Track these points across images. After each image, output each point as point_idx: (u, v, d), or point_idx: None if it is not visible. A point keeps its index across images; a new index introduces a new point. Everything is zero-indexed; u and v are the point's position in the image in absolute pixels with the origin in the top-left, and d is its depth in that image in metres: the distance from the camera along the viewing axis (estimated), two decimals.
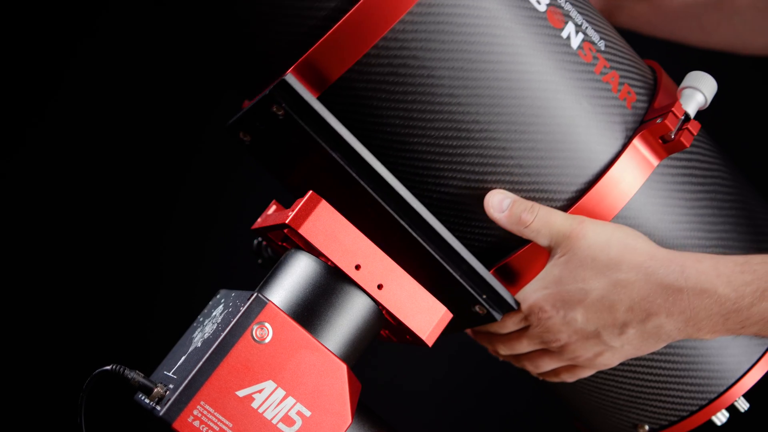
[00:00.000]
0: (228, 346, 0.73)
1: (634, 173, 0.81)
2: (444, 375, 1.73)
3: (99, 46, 1.73)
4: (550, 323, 0.81)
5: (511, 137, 0.78)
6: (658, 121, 0.80)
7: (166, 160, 1.75)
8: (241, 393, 0.73)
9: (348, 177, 0.76)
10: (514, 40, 0.77)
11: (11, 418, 1.67)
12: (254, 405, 0.73)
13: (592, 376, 0.88)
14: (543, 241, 0.80)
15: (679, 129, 0.81)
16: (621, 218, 0.82)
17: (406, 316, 0.79)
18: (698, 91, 0.82)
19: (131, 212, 1.73)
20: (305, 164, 0.80)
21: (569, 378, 0.86)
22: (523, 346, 0.85)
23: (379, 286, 0.78)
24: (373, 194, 0.77)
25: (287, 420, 0.73)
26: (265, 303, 0.74)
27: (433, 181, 0.80)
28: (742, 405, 0.90)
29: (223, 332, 0.73)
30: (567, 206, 0.81)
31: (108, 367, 0.74)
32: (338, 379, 0.75)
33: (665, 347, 0.85)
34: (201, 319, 0.83)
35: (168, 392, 0.73)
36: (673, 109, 0.81)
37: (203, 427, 0.72)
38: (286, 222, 0.76)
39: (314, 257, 0.79)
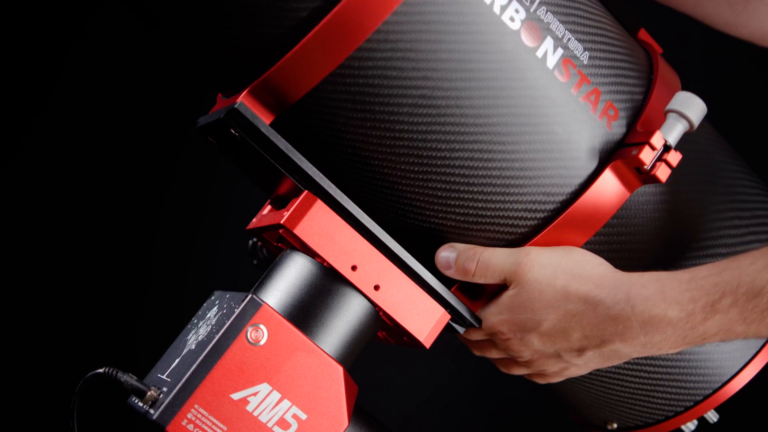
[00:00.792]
0: (222, 348, 0.73)
1: (606, 201, 0.80)
2: (442, 377, 1.73)
3: (90, 46, 1.72)
4: (509, 344, 0.82)
5: (475, 165, 0.77)
6: (633, 152, 0.78)
7: (161, 159, 1.75)
8: (235, 396, 0.72)
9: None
10: (482, 65, 0.75)
11: (2, 421, 1.67)
12: (249, 408, 0.73)
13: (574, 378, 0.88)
14: (493, 281, 0.81)
15: (658, 160, 0.78)
16: (589, 243, 0.81)
17: (403, 318, 0.79)
18: (683, 118, 0.78)
19: (124, 212, 1.73)
20: (270, 173, 0.80)
21: (541, 381, 0.87)
22: (493, 354, 0.86)
23: (376, 287, 0.78)
24: (334, 213, 0.77)
25: (283, 423, 0.73)
26: (260, 304, 0.74)
27: (397, 201, 0.79)
28: (712, 417, 0.91)
29: (217, 334, 0.73)
30: (532, 234, 0.80)
31: (100, 370, 0.74)
32: (334, 381, 0.75)
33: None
34: (195, 321, 0.83)
35: (161, 395, 0.73)
36: (651, 140, 0.77)
37: (197, 431, 0.71)
38: (281, 222, 0.76)
39: (310, 258, 0.78)
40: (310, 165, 0.76)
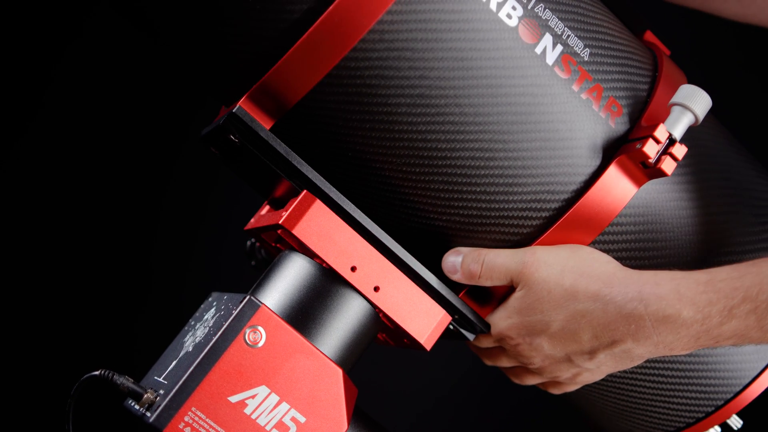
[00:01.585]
0: (220, 350, 0.73)
1: (612, 197, 0.79)
2: (443, 380, 1.73)
3: (89, 48, 1.72)
4: (520, 349, 0.81)
5: (476, 164, 0.77)
6: (638, 146, 0.77)
7: (157, 159, 1.75)
8: (233, 399, 0.72)
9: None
10: (479, 62, 0.75)
11: None
12: (247, 411, 0.73)
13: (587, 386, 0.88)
14: (499, 282, 0.80)
15: (663, 153, 0.77)
16: (597, 243, 0.81)
17: (403, 319, 0.79)
18: (688, 111, 0.78)
19: (121, 213, 1.73)
20: (271, 180, 0.80)
21: (556, 391, 0.86)
22: (504, 362, 0.85)
23: (376, 288, 0.78)
24: (333, 213, 0.77)
25: (281, 426, 0.73)
26: (258, 306, 0.74)
27: (399, 203, 0.79)
28: (736, 423, 0.90)
29: (214, 336, 0.73)
30: (537, 234, 0.80)
31: (96, 373, 0.74)
32: (334, 384, 0.74)
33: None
34: (192, 323, 0.83)
35: (158, 398, 0.73)
36: (654, 133, 0.76)
37: None
38: (280, 222, 0.76)
39: (309, 259, 0.78)
40: (310, 168, 0.76)
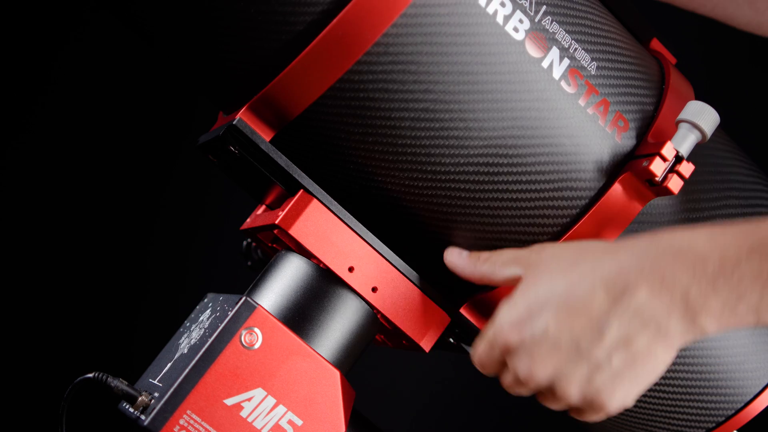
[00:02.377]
0: (215, 352, 0.72)
1: (616, 216, 0.78)
2: (443, 382, 1.73)
3: (83, 46, 1.72)
4: (520, 356, 0.73)
5: (480, 179, 0.77)
6: (644, 164, 0.77)
7: (152, 159, 1.75)
8: (229, 401, 0.72)
9: None
10: (485, 77, 0.75)
11: None
12: (243, 414, 0.73)
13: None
14: (507, 271, 0.77)
15: (670, 171, 0.76)
16: None
17: (401, 321, 0.79)
18: (695, 128, 0.77)
19: (116, 213, 1.73)
20: (268, 187, 0.80)
21: (585, 418, 0.78)
22: (507, 378, 0.77)
23: (374, 289, 0.78)
24: (330, 213, 0.77)
25: (278, 429, 0.73)
26: (255, 307, 0.74)
27: (401, 216, 0.79)
28: None
29: (210, 338, 0.73)
30: None
31: (90, 375, 0.74)
32: (331, 386, 0.74)
33: (673, 366, 0.84)
34: (188, 324, 0.83)
35: (153, 401, 0.73)
36: (662, 151, 0.76)
37: None
38: (276, 222, 0.76)
39: (305, 259, 0.78)
40: (311, 181, 0.76)
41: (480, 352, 0.75)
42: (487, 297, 0.80)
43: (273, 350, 0.73)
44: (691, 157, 0.79)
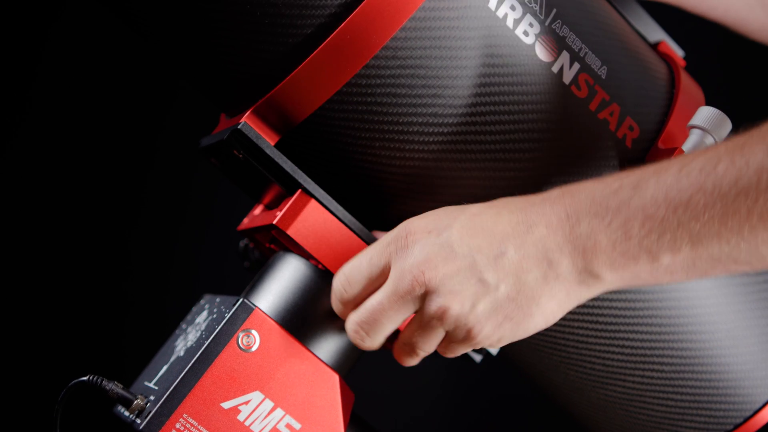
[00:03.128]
0: (212, 354, 0.72)
1: None
2: (443, 385, 1.73)
3: (84, 46, 1.72)
4: (412, 250, 0.71)
5: (486, 184, 0.76)
6: None
7: (150, 159, 1.75)
8: (226, 405, 0.72)
9: None
10: (494, 79, 0.74)
11: None
12: (240, 417, 0.72)
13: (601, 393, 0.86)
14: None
15: None
16: None
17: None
18: (708, 135, 0.77)
19: (112, 213, 1.73)
20: (271, 188, 0.80)
21: (449, 353, 0.75)
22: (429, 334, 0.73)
23: None
24: (329, 213, 0.77)
25: None
26: (252, 309, 0.74)
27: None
28: None
29: (207, 340, 0.73)
30: None
31: (85, 378, 0.74)
32: (330, 389, 0.74)
33: (682, 373, 0.84)
34: (184, 326, 0.83)
35: (149, 404, 0.73)
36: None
37: None
38: (274, 223, 0.76)
39: (304, 260, 0.78)
40: (317, 187, 0.76)
41: (374, 252, 0.72)
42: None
43: (271, 353, 0.73)
44: None
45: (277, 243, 0.82)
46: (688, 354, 0.83)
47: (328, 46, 0.71)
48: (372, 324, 0.72)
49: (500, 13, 0.74)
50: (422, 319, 0.71)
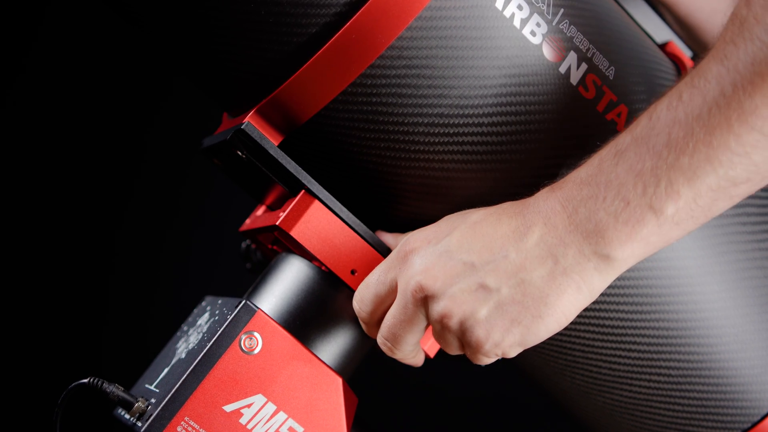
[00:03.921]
0: (214, 357, 0.72)
1: None
2: (446, 388, 1.73)
3: (83, 44, 1.72)
4: (413, 259, 0.72)
5: (492, 185, 0.76)
6: None
7: (149, 159, 1.75)
8: (228, 408, 0.72)
9: None
10: (500, 80, 0.74)
11: None
12: (243, 420, 0.72)
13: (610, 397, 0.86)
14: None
15: None
16: None
17: None
18: None
19: (112, 214, 1.73)
20: (273, 189, 0.80)
21: (474, 361, 0.75)
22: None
23: None
24: (332, 214, 0.77)
25: None
26: (255, 311, 0.74)
27: (415, 222, 0.78)
28: None
29: (209, 342, 0.73)
30: None
31: (85, 380, 0.74)
32: (333, 392, 0.74)
33: (689, 378, 0.84)
34: (185, 328, 0.82)
35: (150, 407, 0.73)
36: None
37: None
38: (277, 224, 0.76)
39: (307, 261, 0.78)
40: (321, 188, 0.76)
41: (381, 270, 0.73)
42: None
43: (273, 355, 0.73)
44: None
45: (279, 244, 0.82)
46: (695, 358, 0.83)
47: (333, 45, 0.71)
48: (393, 338, 0.73)
49: (507, 13, 0.74)
50: (433, 327, 0.72)
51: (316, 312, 0.77)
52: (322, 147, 0.76)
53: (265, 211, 0.87)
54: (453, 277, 0.70)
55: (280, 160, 0.75)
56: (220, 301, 0.80)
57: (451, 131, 0.75)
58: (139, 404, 0.73)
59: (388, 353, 0.74)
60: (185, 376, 0.72)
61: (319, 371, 0.74)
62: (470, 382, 1.71)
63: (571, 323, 0.81)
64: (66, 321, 1.70)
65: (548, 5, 0.76)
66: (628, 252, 0.68)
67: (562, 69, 0.76)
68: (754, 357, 0.85)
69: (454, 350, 0.73)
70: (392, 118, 0.74)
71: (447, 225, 0.73)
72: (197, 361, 0.72)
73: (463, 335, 0.70)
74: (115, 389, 0.74)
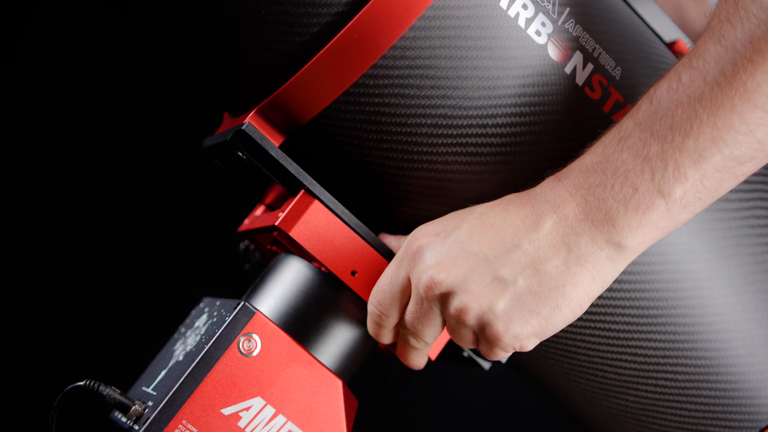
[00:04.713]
0: (212, 359, 0.72)
1: None
2: (446, 391, 1.73)
3: (82, 43, 1.73)
4: (423, 256, 0.72)
5: (496, 186, 0.76)
6: None
7: (148, 158, 1.75)
8: (226, 411, 0.72)
9: None
10: (505, 81, 0.74)
11: None
12: (241, 424, 0.72)
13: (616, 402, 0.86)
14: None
15: None
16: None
17: None
18: None
19: (108, 214, 1.73)
20: (273, 189, 0.80)
21: (491, 356, 0.74)
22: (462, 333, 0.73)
23: None
24: (332, 214, 0.77)
25: None
26: (253, 312, 0.74)
27: (417, 223, 0.78)
28: None
29: (206, 344, 0.73)
30: None
31: (81, 383, 0.74)
32: (333, 395, 0.74)
33: (697, 383, 0.83)
34: (183, 330, 0.82)
35: (147, 410, 0.73)
36: None
37: None
38: (276, 224, 0.76)
39: (306, 262, 0.78)
40: (323, 189, 0.76)
41: (392, 270, 0.74)
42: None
43: (272, 357, 0.73)
44: None
45: (278, 245, 0.82)
46: (702, 363, 0.83)
47: (335, 45, 0.71)
48: (414, 335, 0.74)
49: (512, 12, 0.74)
50: (448, 322, 0.72)
51: (316, 313, 0.77)
52: (323, 148, 0.76)
53: (264, 212, 0.87)
54: (466, 270, 0.70)
55: (281, 161, 0.75)
56: (218, 303, 0.80)
57: (455, 132, 0.74)
58: (136, 407, 0.73)
59: (413, 344, 0.75)
60: (183, 378, 0.72)
61: (318, 374, 0.74)
62: (473, 387, 1.71)
63: (577, 327, 0.81)
64: (63, 322, 1.70)
65: (554, 4, 0.76)
66: (639, 239, 0.69)
67: (568, 69, 0.76)
68: (762, 362, 0.84)
69: (468, 344, 0.73)
70: (395, 119, 0.74)
71: (454, 219, 0.73)
72: (195, 363, 0.72)
73: (481, 330, 0.71)
74: (112, 392, 0.73)
